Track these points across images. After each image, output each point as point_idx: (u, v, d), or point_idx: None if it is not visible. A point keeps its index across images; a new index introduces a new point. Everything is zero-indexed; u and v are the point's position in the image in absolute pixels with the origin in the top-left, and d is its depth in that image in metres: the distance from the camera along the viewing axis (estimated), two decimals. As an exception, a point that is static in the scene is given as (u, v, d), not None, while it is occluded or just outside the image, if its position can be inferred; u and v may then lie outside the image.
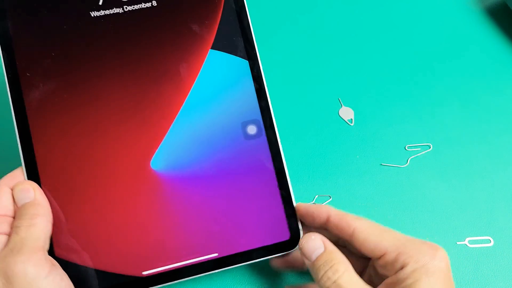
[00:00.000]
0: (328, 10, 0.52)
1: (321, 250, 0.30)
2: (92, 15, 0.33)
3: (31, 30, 0.32)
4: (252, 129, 0.34)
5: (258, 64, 0.35)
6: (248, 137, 0.34)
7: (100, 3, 0.33)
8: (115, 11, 0.33)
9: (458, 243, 0.41)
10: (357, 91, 0.47)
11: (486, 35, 0.50)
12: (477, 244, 0.41)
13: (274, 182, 0.34)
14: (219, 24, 0.35)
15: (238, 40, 0.35)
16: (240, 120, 0.34)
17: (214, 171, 0.33)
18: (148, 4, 0.34)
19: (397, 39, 0.50)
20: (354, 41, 0.50)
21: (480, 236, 0.42)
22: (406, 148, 0.45)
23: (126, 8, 0.33)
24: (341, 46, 0.50)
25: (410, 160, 0.45)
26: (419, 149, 0.45)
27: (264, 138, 0.34)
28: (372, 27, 0.51)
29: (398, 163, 0.45)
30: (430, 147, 0.45)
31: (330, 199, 0.42)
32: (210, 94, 0.34)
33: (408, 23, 0.51)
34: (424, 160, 0.45)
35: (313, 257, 0.30)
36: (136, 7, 0.33)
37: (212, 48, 0.34)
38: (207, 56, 0.34)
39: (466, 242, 0.41)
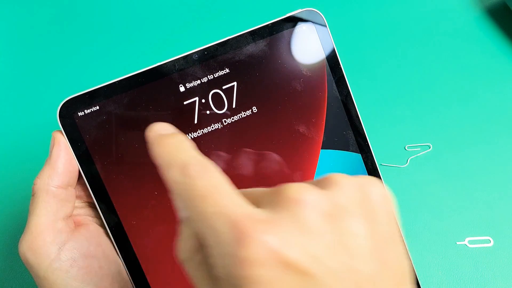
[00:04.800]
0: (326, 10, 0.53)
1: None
2: (190, 138, 0.31)
3: (126, 175, 0.30)
4: None
5: (372, 156, 0.33)
6: None
7: (195, 122, 0.31)
8: (214, 128, 0.31)
9: (458, 243, 0.42)
10: (356, 91, 0.48)
11: (486, 35, 0.51)
12: (477, 244, 0.42)
13: None
14: (326, 119, 0.33)
15: (348, 133, 0.33)
16: None
17: None
18: (249, 112, 0.32)
19: (397, 39, 0.51)
20: (354, 41, 0.51)
21: (480, 236, 0.42)
22: (406, 148, 0.46)
23: (225, 121, 0.32)
24: (340, 46, 0.50)
25: (410, 160, 0.45)
26: (419, 149, 0.46)
27: None
28: (371, 27, 0.52)
29: (398, 163, 0.45)
30: (430, 147, 0.46)
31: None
32: None
33: (408, 23, 0.52)
34: (424, 160, 0.45)
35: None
36: (236, 117, 0.32)
37: (323, 148, 0.33)
38: (319, 158, 0.33)
39: (466, 242, 0.42)
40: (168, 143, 0.22)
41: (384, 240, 0.20)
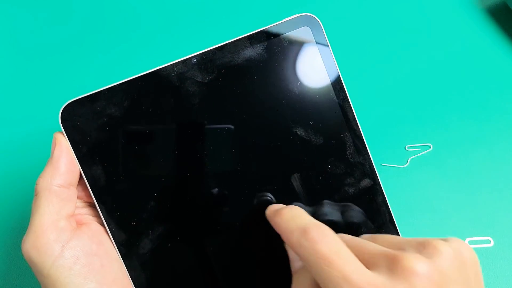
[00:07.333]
0: (322, 5, 0.53)
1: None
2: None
3: (126, 176, 0.31)
4: None
5: (370, 159, 0.34)
6: None
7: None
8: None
9: (458, 243, 0.42)
10: (356, 91, 0.48)
11: (487, 35, 0.52)
12: (477, 244, 0.42)
13: None
14: (324, 122, 0.33)
15: (345, 136, 0.34)
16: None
17: None
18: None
19: (397, 39, 0.51)
20: (352, 42, 0.51)
21: (480, 236, 0.43)
22: (406, 148, 0.46)
23: None
24: (339, 46, 0.51)
25: (410, 160, 0.46)
26: (419, 149, 0.46)
27: None
28: (369, 27, 0.52)
29: (398, 163, 0.46)
30: (430, 147, 0.46)
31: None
32: None
33: (408, 23, 0.52)
34: (424, 160, 0.46)
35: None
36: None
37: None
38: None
39: (466, 242, 0.42)
40: (286, 213, 0.26)
41: None
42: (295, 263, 0.27)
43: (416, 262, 0.22)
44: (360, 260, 0.23)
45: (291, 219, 0.26)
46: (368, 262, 0.23)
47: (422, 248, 0.24)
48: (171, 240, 0.32)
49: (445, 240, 0.24)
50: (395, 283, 0.22)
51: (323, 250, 0.23)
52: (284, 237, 0.25)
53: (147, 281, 0.31)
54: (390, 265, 0.22)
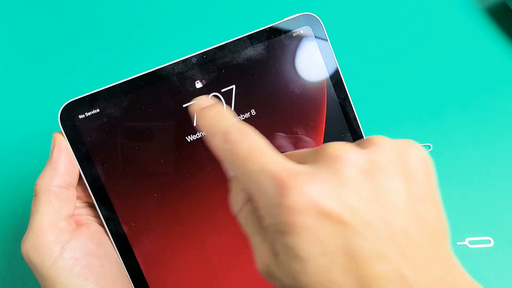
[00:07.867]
0: (330, 10, 0.53)
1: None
2: (189, 141, 0.32)
3: (126, 176, 0.31)
4: None
5: None
6: None
7: (195, 124, 0.31)
8: None
9: (458, 243, 0.42)
10: (356, 91, 0.48)
11: (487, 35, 0.52)
12: (477, 244, 0.42)
13: None
14: (326, 122, 0.33)
15: (346, 136, 0.34)
16: None
17: None
18: (247, 115, 0.32)
19: (397, 39, 0.51)
20: (352, 42, 0.51)
21: (480, 236, 0.43)
22: (406, 148, 0.46)
23: None
24: (337, 48, 0.51)
25: (410, 160, 0.46)
26: (419, 149, 0.46)
27: None
28: (369, 28, 0.52)
29: (398, 163, 0.46)
30: (430, 147, 0.46)
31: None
32: None
33: (409, 23, 0.52)
34: (424, 160, 0.46)
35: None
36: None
37: None
38: None
39: (466, 242, 0.42)
40: (209, 115, 0.24)
41: (420, 198, 0.21)
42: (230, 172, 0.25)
43: (341, 148, 0.20)
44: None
45: (215, 122, 0.24)
46: (299, 161, 0.21)
47: (360, 142, 0.22)
48: (171, 240, 0.32)
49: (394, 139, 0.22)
50: (315, 170, 0.20)
51: (242, 148, 0.21)
52: (207, 140, 0.24)
53: (147, 282, 0.31)
54: (315, 156, 0.21)
